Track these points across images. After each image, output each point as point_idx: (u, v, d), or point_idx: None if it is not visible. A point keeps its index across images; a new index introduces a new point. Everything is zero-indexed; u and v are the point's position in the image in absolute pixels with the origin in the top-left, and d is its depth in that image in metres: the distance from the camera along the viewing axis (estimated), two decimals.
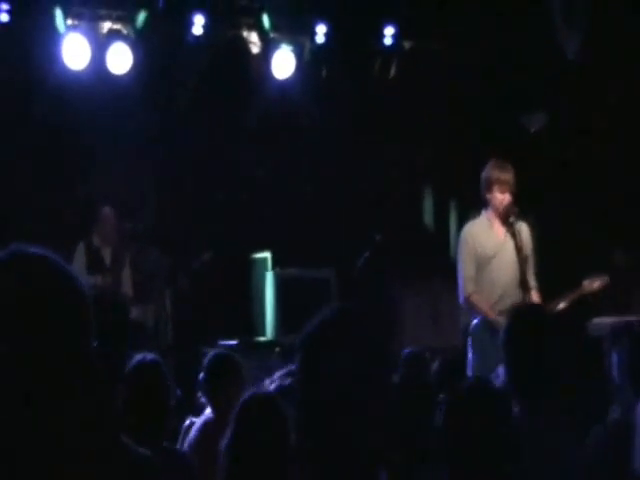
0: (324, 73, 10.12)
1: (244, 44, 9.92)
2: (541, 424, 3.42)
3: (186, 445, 4.93)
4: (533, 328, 3.65)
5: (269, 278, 9.20)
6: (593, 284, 6.94)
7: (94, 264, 9.03)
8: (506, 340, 3.64)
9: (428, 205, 10.22)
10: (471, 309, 6.75)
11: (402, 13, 10.03)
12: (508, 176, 6.81)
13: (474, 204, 7.06)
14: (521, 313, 3.92)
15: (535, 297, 6.87)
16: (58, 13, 9.27)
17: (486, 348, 5.93)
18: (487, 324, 6.55)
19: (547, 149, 9.73)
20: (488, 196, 6.79)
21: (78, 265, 8.92)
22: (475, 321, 6.61)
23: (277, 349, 8.44)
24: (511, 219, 6.78)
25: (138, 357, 4.48)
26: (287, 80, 9.94)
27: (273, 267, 9.33)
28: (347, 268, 9.10)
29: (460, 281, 6.86)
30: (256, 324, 9.14)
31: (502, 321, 6.35)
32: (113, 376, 4.06)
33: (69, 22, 9.36)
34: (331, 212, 9.83)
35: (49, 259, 1.79)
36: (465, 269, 6.84)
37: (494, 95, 9.82)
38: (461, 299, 6.86)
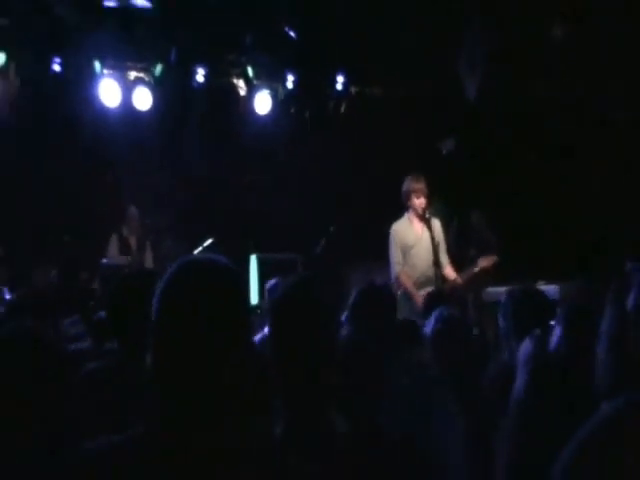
0: (292, 110, 10.09)
1: (234, 88, 9.87)
2: None
3: None
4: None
5: (253, 259, 9.10)
6: (486, 261, 6.94)
7: (123, 249, 8.97)
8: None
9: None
10: (398, 285, 6.74)
11: (349, 67, 9.98)
12: (422, 185, 6.79)
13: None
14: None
15: (449, 271, 6.91)
16: (97, 64, 9.20)
17: (405, 313, 5.96)
18: (408, 296, 6.62)
19: (456, 166, 9.76)
20: (408, 202, 6.80)
21: (112, 249, 8.93)
22: (399, 293, 6.62)
23: (258, 311, 8.41)
24: (427, 216, 6.76)
25: None
26: (266, 115, 9.91)
27: (255, 252, 9.22)
28: (309, 252, 9.04)
29: (391, 264, 6.86)
30: None
31: (418, 294, 6.52)
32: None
33: (105, 71, 9.27)
34: (298, 210, 9.76)
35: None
36: (393, 256, 6.84)
37: (415, 126, 9.74)
38: (392, 277, 6.85)
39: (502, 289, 7.03)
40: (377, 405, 2.66)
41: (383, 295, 3.82)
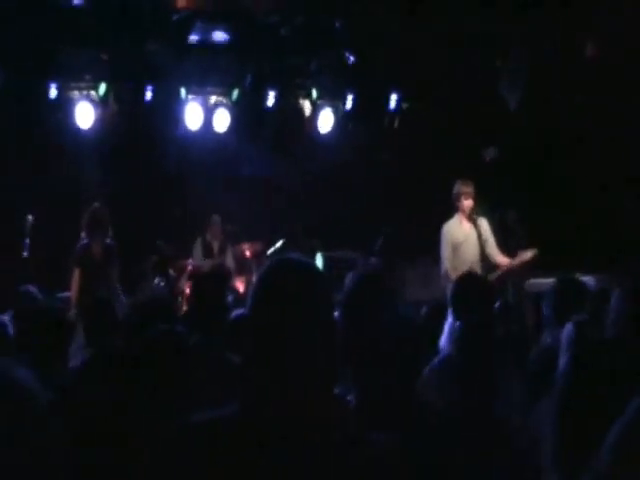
0: (350, 126, 10.17)
1: (300, 109, 10.01)
2: None
3: None
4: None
5: (318, 257, 9.27)
6: (527, 254, 7.01)
7: (206, 252, 9.18)
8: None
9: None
10: (447, 278, 6.86)
11: (402, 86, 10.07)
12: (470, 189, 7.00)
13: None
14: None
15: (500, 259, 7.00)
16: (182, 90, 9.47)
17: None
18: None
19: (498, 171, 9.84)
20: (458, 203, 7.01)
21: (196, 253, 9.16)
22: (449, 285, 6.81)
23: None
24: (474, 216, 6.98)
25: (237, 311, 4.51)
26: (328, 131, 10.03)
27: (320, 250, 9.36)
28: (368, 250, 9.17)
29: (442, 259, 7.04)
30: None
31: None
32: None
33: (189, 96, 9.54)
34: (358, 212, 9.84)
35: None
36: (444, 252, 7.02)
37: (463, 135, 9.78)
38: (442, 270, 7.03)
39: (543, 281, 7.14)
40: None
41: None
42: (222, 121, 9.63)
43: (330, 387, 1.56)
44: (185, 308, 8.37)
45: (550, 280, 6.79)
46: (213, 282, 3.82)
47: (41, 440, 1.17)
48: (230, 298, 3.94)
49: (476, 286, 3.63)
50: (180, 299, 8.78)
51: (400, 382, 2.07)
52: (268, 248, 9.41)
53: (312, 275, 1.61)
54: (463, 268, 6.78)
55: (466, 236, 6.98)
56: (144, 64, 9.05)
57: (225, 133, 9.69)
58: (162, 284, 8.73)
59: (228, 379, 2.86)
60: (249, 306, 1.60)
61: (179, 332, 2.67)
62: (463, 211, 6.98)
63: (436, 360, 2.80)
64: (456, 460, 1.97)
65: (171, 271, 9.08)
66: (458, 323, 3.25)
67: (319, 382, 1.52)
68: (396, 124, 10.18)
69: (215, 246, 9.25)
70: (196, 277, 8.12)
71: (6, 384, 1.18)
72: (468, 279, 3.77)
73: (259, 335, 1.54)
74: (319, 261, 9.18)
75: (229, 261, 9.22)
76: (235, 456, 1.46)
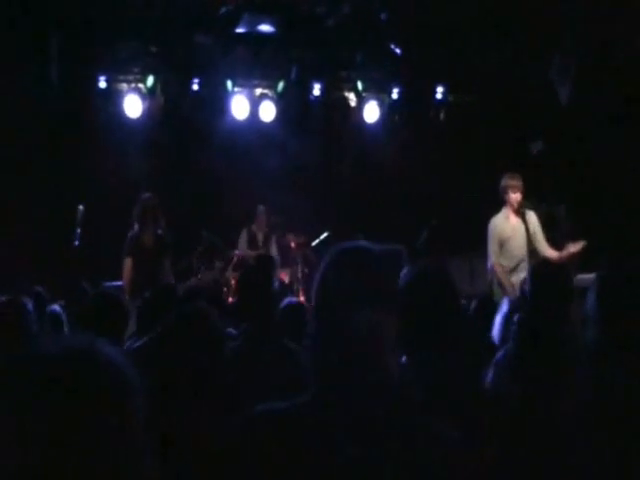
0: (397, 118, 10.16)
1: (346, 100, 10.05)
2: None
3: None
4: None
5: None
6: (575, 247, 6.79)
7: (252, 243, 9.19)
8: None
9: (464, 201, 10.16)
10: (493, 273, 6.78)
11: (449, 79, 10.02)
12: (517, 182, 6.83)
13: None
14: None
15: (550, 252, 6.79)
16: (229, 83, 9.56)
17: (497, 298, 5.86)
18: (500, 283, 6.72)
19: (544, 165, 9.72)
20: (505, 197, 6.87)
21: (242, 243, 9.16)
22: (494, 280, 6.73)
23: None
24: (522, 210, 6.83)
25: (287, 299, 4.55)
26: (374, 123, 10.03)
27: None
28: (413, 244, 8.99)
29: (489, 253, 6.90)
30: None
31: (510, 282, 6.60)
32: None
33: (235, 89, 9.62)
34: (402, 205, 9.78)
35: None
36: (492, 245, 6.86)
37: (510, 128, 9.71)
38: (489, 265, 6.89)
39: (588, 276, 7.03)
40: None
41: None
42: (268, 113, 9.69)
43: (395, 375, 1.56)
44: (231, 299, 8.43)
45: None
46: (260, 271, 3.82)
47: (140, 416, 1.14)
48: (277, 286, 3.97)
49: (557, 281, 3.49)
50: (226, 290, 8.84)
51: (464, 373, 2.09)
52: (313, 240, 9.41)
53: (378, 260, 1.60)
54: (511, 263, 6.83)
55: (514, 230, 6.86)
56: (191, 57, 9.14)
57: (271, 124, 9.73)
58: (208, 274, 8.79)
59: (287, 365, 2.98)
60: (315, 292, 1.60)
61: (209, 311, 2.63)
62: (511, 205, 6.85)
63: (500, 354, 2.76)
64: (523, 455, 1.98)
65: (217, 262, 9.15)
66: (518, 316, 3.15)
67: (385, 369, 1.52)
68: (442, 117, 10.13)
69: (260, 237, 9.27)
70: (244, 267, 8.20)
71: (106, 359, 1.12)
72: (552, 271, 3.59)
73: (326, 322, 1.54)
74: None
75: (273, 252, 9.21)
76: (309, 444, 1.47)
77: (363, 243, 1.68)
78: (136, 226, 6.97)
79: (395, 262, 1.65)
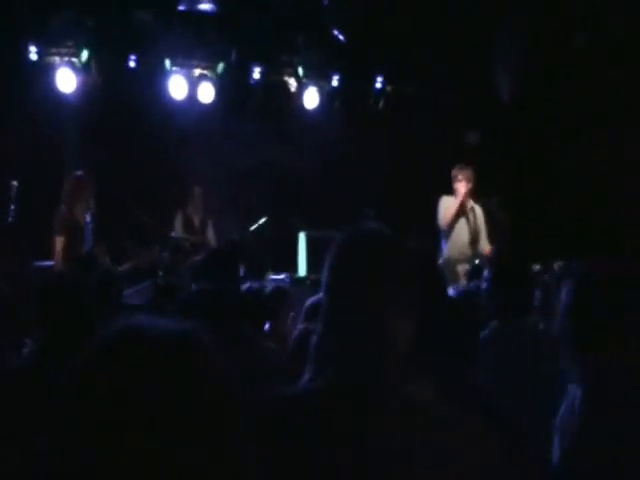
0: (336, 105, 10.12)
1: (286, 85, 9.95)
2: None
3: None
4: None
5: (301, 236, 9.11)
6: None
7: (188, 226, 8.96)
8: None
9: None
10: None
11: (387, 68, 10.03)
12: (461, 173, 7.03)
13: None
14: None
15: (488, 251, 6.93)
16: (167, 62, 9.32)
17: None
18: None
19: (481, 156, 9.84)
20: (453, 186, 7.07)
21: (177, 226, 8.92)
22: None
23: (308, 282, 8.49)
24: (468, 202, 7.04)
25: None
26: (314, 109, 9.98)
27: (304, 229, 9.19)
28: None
29: (439, 220, 7.00)
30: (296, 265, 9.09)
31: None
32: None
33: (174, 68, 9.40)
34: (342, 191, 9.77)
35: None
36: (441, 215, 7.05)
37: (446, 120, 9.83)
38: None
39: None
40: None
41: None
42: (206, 94, 9.52)
43: (411, 360, 1.54)
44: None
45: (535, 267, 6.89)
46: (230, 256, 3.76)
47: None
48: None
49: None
50: (161, 272, 8.60)
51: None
52: (251, 225, 9.27)
53: (392, 244, 1.59)
54: (454, 252, 6.96)
55: (458, 218, 7.01)
56: (129, 32, 8.87)
57: (209, 106, 9.57)
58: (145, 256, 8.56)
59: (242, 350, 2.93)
60: (327, 278, 1.57)
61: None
62: (459, 194, 6.96)
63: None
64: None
65: (152, 244, 8.90)
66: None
67: (402, 355, 1.51)
68: (381, 105, 10.14)
69: (196, 220, 9.06)
70: (180, 250, 8.04)
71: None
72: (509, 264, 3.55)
73: (340, 308, 1.53)
74: (302, 240, 9.04)
75: (210, 236, 9.04)
76: (327, 430, 1.46)
77: (375, 226, 1.65)
78: (64, 204, 6.77)
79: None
